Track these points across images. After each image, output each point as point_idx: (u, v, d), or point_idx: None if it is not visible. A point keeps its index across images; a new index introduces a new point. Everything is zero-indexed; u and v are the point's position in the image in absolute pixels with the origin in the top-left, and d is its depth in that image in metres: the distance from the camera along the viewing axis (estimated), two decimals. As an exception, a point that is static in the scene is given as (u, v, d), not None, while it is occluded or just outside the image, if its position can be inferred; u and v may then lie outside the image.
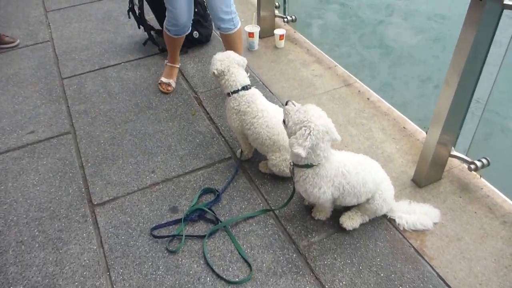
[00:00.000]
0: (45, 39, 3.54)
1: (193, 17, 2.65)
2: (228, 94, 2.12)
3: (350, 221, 1.87)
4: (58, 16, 3.87)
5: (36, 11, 3.99)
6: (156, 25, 3.45)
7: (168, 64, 2.90)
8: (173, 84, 2.85)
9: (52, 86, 2.96)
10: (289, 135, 1.69)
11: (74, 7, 4.02)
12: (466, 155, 2.04)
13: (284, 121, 1.75)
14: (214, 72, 2.11)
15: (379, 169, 1.84)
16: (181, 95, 2.81)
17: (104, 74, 3.06)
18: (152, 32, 3.33)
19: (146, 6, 3.21)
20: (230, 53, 2.17)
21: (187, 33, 2.67)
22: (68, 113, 2.72)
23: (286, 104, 1.74)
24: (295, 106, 1.72)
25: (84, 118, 2.66)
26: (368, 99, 2.68)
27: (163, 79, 2.85)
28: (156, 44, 3.29)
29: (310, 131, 1.59)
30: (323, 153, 1.65)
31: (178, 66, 2.94)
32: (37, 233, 1.97)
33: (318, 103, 2.66)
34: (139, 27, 3.37)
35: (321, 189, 1.72)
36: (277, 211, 2.01)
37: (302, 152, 1.58)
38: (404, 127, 2.44)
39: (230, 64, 2.09)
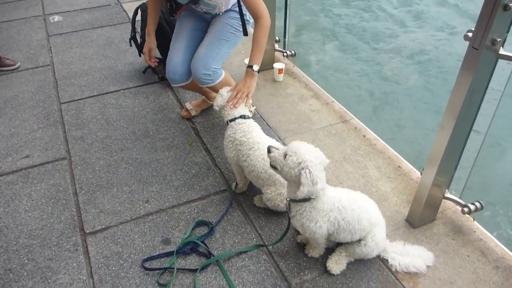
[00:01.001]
0: (45, 63, 3.57)
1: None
2: (227, 123, 2.15)
3: (337, 266, 1.87)
4: (59, 41, 3.92)
5: (39, 35, 4.03)
6: (157, 54, 3.49)
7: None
8: (192, 113, 2.89)
9: (50, 111, 2.97)
10: (288, 179, 1.70)
11: (76, 32, 4.08)
12: (460, 198, 2.06)
13: (273, 167, 1.76)
14: (216, 108, 2.17)
15: (375, 208, 1.84)
16: (178, 124, 2.83)
17: (102, 100, 3.08)
18: (152, 61, 3.36)
19: (148, 35, 3.26)
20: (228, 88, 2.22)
21: (187, 82, 2.62)
22: (65, 138, 2.72)
23: (269, 152, 1.75)
24: (278, 149, 1.73)
25: (81, 144, 2.66)
26: (364, 136, 2.71)
27: (188, 105, 2.89)
28: (155, 72, 3.33)
29: (310, 170, 1.60)
30: (321, 184, 1.66)
31: (209, 102, 2.92)
32: (26, 261, 1.94)
33: (315, 138, 2.69)
34: (139, 55, 3.42)
35: (318, 223, 1.72)
36: (270, 247, 2.00)
37: (320, 185, 1.63)
38: (399, 166, 2.46)
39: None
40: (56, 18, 4.36)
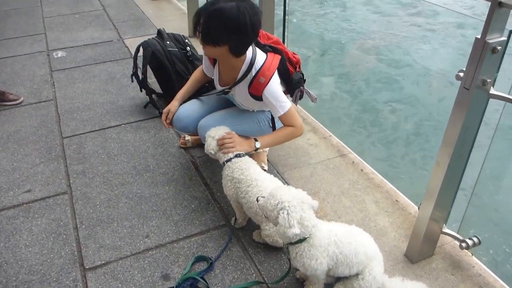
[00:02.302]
0: (48, 97, 3.64)
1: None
2: (223, 164, 2.19)
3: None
4: (63, 76, 4.00)
5: (42, 70, 4.12)
6: (158, 89, 3.58)
7: None
8: (189, 144, 2.96)
9: (52, 145, 3.01)
10: (274, 223, 1.73)
11: (79, 67, 4.17)
12: (458, 233, 2.08)
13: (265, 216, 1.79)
14: (211, 153, 2.21)
15: (371, 242, 1.86)
16: (179, 159, 2.87)
17: (104, 135, 3.13)
18: (153, 96, 3.44)
19: (148, 70, 3.34)
20: (224, 129, 2.25)
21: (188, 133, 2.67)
22: (66, 173, 2.75)
23: (258, 201, 1.79)
24: (264, 197, 1.77)
25: (82, 178, 2.69)
26: (361, 170, 2.75)
27: (186, 136, 2.94)
28: (156, 107, 3.39)
29: (287, 210, 1.63)
30: (310, 222, 1.68)
31: None
32: (25, 297, 1.94)
33: (313, 172, 2.72)
34: (141, 90, 3.50)
35: (318, 260, 1.73)
36: (270, 284, 2.00)
37: (295, 230, 1.62)
38: (396, 200, 2.49)
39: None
40: (60, 53, 4.47)
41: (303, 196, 1.71)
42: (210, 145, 2.21)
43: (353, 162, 2.84)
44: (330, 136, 3.12)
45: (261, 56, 2.29)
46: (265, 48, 2.37)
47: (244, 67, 2.27)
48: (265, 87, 2.24)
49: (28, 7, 5.99)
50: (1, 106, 3.49)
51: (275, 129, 2.50)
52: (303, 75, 2.52)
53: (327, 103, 3.97)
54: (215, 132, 2.23)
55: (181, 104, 2.61)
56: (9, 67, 4.20)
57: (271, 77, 2.24)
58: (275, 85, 2.26)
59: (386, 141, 3.51)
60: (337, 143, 3.05)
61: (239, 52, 2.18)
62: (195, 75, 2.67)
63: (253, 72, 2.26)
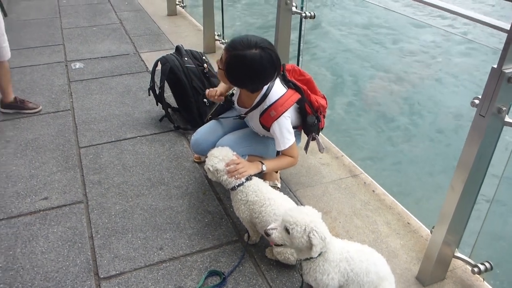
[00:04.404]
0: (66, 107, 3.72)
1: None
2: (233, 188, 2.21)
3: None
4: (80, 87, 4.09)
5: (60, 80, 4.21)
6: (173, 103, 3.64)
7: None
8: (202, 159, 2.93)
9: (69, 154, 3.07)
10: (299, 248, 1.76)
11: (97, 79, 4.26)
12: (469, 257, 2.09)
13: (279, 245, 1.81)
14: (209, 168, 2.22)
15: (383, 262, 1.88)
16: (193, 173, 2.91)
17: (120, 146, 3.19)
18: (169, 109, 3.50)
19: (165, 85, 3.41)
20: (227, 150, 2.28)
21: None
22: (82, 182, 2.80)
23: (269, 235, 1.79)
24: (275, 228, 1.78)
25: (98, 188, 2.74)
26: (373, 191, 2.78)
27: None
28: (171, 121, 3.45)
29: (315, 230, 1.67)
30: (327, 236, 1.72)
31: None
32: (41, 304, 1.97)
33: (325, 191, 2.76)
34: (157, 104, 3.57)
35: (330, 275, 1.76)
36: (282, 300, 2.02)
37: (322, 246, 1.69)
38: (408, 223, 2.51)
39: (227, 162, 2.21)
40: (78, 65, 4.57)
41: (316, 212, 1.76)
42: (214, 165, 2.20)
43: (364, 182, 2.87)
44: (342, 156, 3.16)
45: (278, 90, 2.35)
46: (288, 84, 2.43)
47: (258, 97, 2.35)
48: (274, 121, 2.31)
49: (47, 18, 6.12)
50: (21, 114, 3.56)
51: (280, 153, 2.56)
52: (319, 120, 2.56)
53: (339, 122, 4.02)
54: (219, 153, 2.25)
55: (225, 97, 2.65)
56: (28, 76, 4.29)
57: (282, 113, 2.31)
58: (284, 122, 2.32)
59: (398, 163, 3.54)
60: (349, 163, 3.08)
61: (255, 91, 2.32)
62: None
63: (266, 104, 2.33)
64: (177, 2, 6.42)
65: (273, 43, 2.79)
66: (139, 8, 6.65)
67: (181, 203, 2.63)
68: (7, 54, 3.35)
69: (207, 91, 2.65)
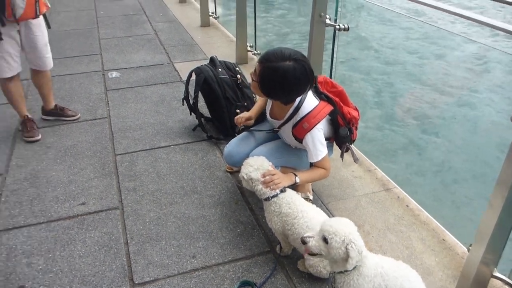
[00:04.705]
0: (103, 115, 3.83)
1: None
2: (267, 199, 2.23)
3: None
4: (117, 95, 4.20)
5: (98, 89, 4.35)
6: (206, 113, 3.70)
7: None
8: (235, 169, 2.99)
9: (105, 161, 3.16)
10: (335, 259, 1.75)
11: (132, 88, 4.37)
12: (509, 277, 2.04)
13: (313, 254, 1.82)
14: (244, 177, 2.24)
15: (419, 280, 1.85)
16: (225, 182, 2.95)
17: (154, 154, 3.26)
18: (202, 119, 3.56)
19: (199, 95, 3.47)
20: (263, 160, 2.29)
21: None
22: (118, 188, 2.87)
23: (305, 243, 1.80)
24: (312, 237, 1.78)
25: (133, 195, 2.80)
26: (407, 206, 2.74)
27: None
28: (204, 131, 3.50)
29: (354, 242, 1.67)
30: (363, 249, 1.71)
31: None
32: (78, 306, 2.02)
33: (358, 205, 2.74)
34: (190, 114, 3.63)
35: (364, 290, 1.75)
36: (314, 313, 2.01)
37: (358, 259, 1.68)
38: (443, 239, 2.46)
39: (263, 172, 2.22)
40: (114, 74, 4.70)
41: (353, 224, 1.75)
42: (249, 174, 2.22)
43: (398, 197, 2.83)
44: (375, 169, 3.13)
45: (311, 102, 2.37)
46: (320, 96, 2.45)
47: (291, 110, 2.38)
48: (307, 133, 2.33)
49: (86, 28, 6.34)
50: (60, 121, 3.69)
51: (311, 165, 2.56)
52: (352, 131, 2.56)
53: (373, 135, 3.99)
54: (254, 162, 2.27)
55: (255, 118, 2.72)
56: (68, 84, 4.45)
57: (315, 125, 2.32)
58: (316, 133, 2.34)
59: (432, 178, 3.48)
60: (382, 176, 3.05)
61: (288, 103, 2.34)
62: (261, 101, 2.77)
63: (299, 116, 2.36)
64: (210, 13, 6.54)
65: (306, 54, 2.83)
66: (173, 19, 6.81)
67: (213, 212, 2.66)
68: (50, 64, 3.48)
69: (235, 118, 2.71)
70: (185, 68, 4.77)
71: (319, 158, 2.34)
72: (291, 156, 2.62)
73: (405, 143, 3.93)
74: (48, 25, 3.41)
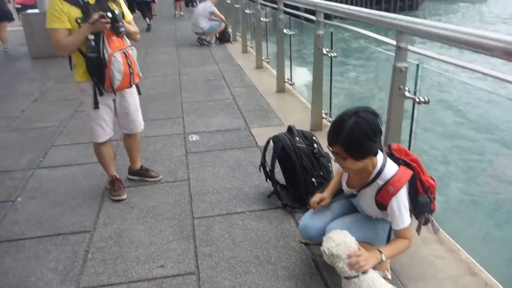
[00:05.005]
0: (183, 178, 4.02)
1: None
2: (347, 278, 2.18)
3: None
4: (196, 158, 4.41)
5: (179, 151, 4.60)
6: (281, 179, 3.75)
7: None
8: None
9: (184, 224, 3.28)
10: None
11: (211, 152, 4.57)
12: None
13: None
14: (325, 251, 2.22)
15: None
16: (299, 254, 2.92)
17: (230, 219, 3.33)
18: (277, 186, 3.61)
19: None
20: (346, 235, 2.26)
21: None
22: (195, 253, 2.95)
23: None
24: None
25: (209, 261, 2.86)
26: (496, 295, 2.53)
27: None
28: (280, 198, 3.54)
29: None
30: None
31: None
32: None
33: (441, 289, 2.57)
34: (266, 180, 3.70)
35: None
36: None
37: None
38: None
39: (347, 251, 2.19)
40: (194, 137, 4.97)
41: None
42: (331, 249, 2.20)
43: (486, 283, 2.63)
44: (459, 249, 2.95)
45: (392, 167, 2.38)
46: (398, 161, 2.45)
47: (373, 174, 2.37)
48: (392, 197, 2.29)
49: (170, 92, 6.84)
50: (144, 181, 3.93)
51: (389, 238, 2.48)
52: (431, 200, 2.50)
53: (455, 211, 3.78)
54: (337, 237, 2.25)
55: (332, 196, 2.74)
56: (152, 146, 4.76)
57: (401, 188, 2.30)
58: (402, 197, 2.31)
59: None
60: (467, 258, 2.87)
61: (363, 156, 2.31)
62: (340, 171, 2.79)
63: (382, 180, 2.34)
64: (285, 80, 6.79)
65: (384, 126, 2.86)
66: (251, 85, 7.14)
67: (287, 285, 2.63)
68: (140, 126, 3.78)
69: (310, 202, 2.74)
70: (261, 133, 4.93)
71: (406, 225, 2.30)
72: (369, 230, 2.57)
73: (494, 221, 3.66)
74: (139, 92, 3.73)
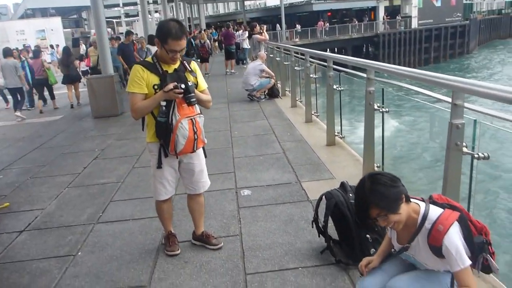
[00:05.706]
0: (235, 233, 4.05)
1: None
2: None
3: None
4: (248, 213, 4.45)
5: (231, 206, 4.66)
6: (334, 234, 3.69)
7: None
8: None
9: (236, 280, 3.27)
10: None
11: (262, 206, 4.60)
12: None
13: None
14: None
15: None
16: (355, 314, 2.81)
17: (283, 276, 3.29)
18: (331, 242, 3.55)
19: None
20: None
21: None
22: (248, 311, 2.92)
23: None
24: None
25: (262, 319, 2.81)
26: None
27: None
28: (333, 254, 3.47)
29: None
30: None
31: None
32: None
33: None
34: (318, 236, 3.65)
35: None
36: None
37: None
38: None
39: None
40: (246, 192, 5.03)
41: None
42: None
43: None
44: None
45: (436, 210, 2.38)
46: (442, 205, 2.44)
47: (419, 219, 2.36)
48: (444, 234, 2.26)
49: (222, 147, 7.03)
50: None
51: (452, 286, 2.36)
52: (489, 244, 2.39)
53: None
54: None
55: (381, 260, 2.70)
56: (205, 201, 4.81)
57: (451, 225, 2.27)
58: (454, 234, 2.26)
59: None
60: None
61: (394, 209, 2.32)
62: (388, 236, 2.77)
63: (429, 223, 2.33)
64: (336, 133, 6.81)
65: (441, 183, 2.80)
66: (300, 138, 7.21)
67: None
68: (204, 187, 3.85)
69: (359, 267, 2.73)
70: (312, 188, 4.92)
71: (466, 264, 2.20)
72: (429, 284, 2.44)
73: None
74: (205, 154, 3.84)
